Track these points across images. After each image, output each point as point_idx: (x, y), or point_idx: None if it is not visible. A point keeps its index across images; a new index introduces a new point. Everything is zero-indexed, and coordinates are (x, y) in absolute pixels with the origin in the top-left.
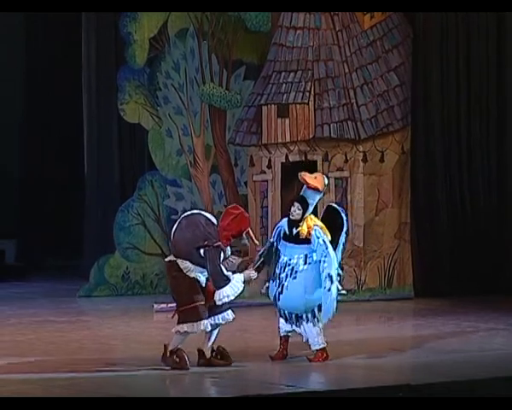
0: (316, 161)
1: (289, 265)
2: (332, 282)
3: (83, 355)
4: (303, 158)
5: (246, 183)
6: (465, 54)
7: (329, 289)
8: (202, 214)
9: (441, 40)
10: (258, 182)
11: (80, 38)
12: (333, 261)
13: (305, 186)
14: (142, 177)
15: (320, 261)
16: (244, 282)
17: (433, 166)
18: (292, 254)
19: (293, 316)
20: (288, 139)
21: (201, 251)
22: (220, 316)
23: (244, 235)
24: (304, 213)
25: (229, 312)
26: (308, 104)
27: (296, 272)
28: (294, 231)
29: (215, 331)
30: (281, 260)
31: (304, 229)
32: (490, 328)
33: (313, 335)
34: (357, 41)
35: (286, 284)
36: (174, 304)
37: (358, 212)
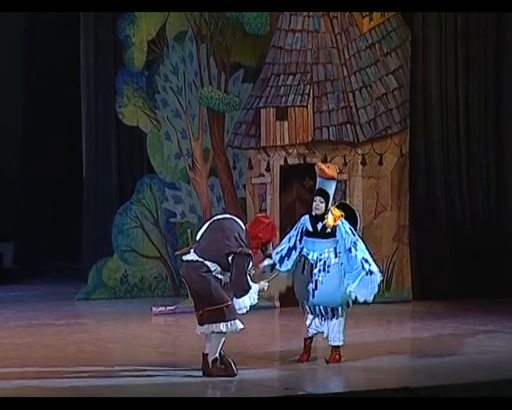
0: (314, 164)
1: (321, 260)
2: (370, 264)
3: (81, 358)
4: (302, 161)
5: (244, 186)
6: (464, 56)
7: (371, 272)
8: (236, 220)
9: (440, 43)
10: (256, 185)
11: (79, 41)
12: (364, 248)
13: (319, 179)
14: (141, 180)
15: (350, 249)
16: (258, 292)
17: (431, 168)
18: (322, 249)
19: (329, 310)
20: (286, 142)
21: (230, 257)
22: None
23: (270, 245)
24: (327, 205)
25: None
26: (307, 107)
27: (329, 266)
28: (320, 225)
29: (220, 339)
30: (310, 256)
31: (330, 221)
32: (489, 331)
33: (336, 330)
34: (355, 44)
35: (320, 279)
36: (173, 307)
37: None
